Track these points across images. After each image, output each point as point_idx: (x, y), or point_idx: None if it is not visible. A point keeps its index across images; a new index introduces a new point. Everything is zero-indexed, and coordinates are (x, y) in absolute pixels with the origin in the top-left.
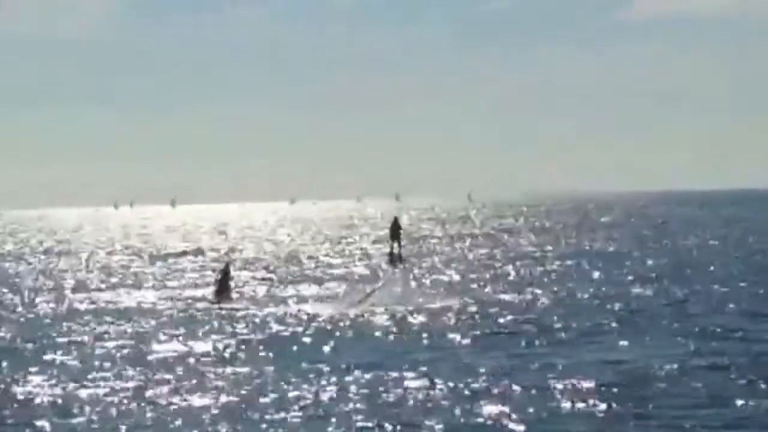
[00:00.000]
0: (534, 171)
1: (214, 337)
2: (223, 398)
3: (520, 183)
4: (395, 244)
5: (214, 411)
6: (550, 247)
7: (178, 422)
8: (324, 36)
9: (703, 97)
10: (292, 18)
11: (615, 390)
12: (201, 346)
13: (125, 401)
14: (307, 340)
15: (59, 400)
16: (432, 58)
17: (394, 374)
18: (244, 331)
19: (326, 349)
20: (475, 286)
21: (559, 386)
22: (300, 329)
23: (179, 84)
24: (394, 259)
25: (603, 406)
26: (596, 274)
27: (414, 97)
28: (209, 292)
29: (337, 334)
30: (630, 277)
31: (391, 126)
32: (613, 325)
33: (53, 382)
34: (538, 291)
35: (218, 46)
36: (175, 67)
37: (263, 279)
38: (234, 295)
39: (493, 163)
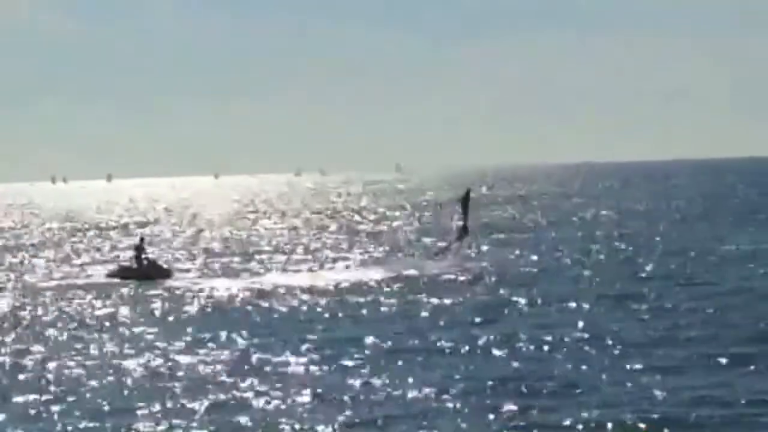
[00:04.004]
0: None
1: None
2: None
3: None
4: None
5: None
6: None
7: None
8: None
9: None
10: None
11: None
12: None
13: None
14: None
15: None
16: (363, 36)
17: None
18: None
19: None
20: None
21: None
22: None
23: (113, 66)
24: (463, 229)
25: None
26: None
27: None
28: (124, 265)
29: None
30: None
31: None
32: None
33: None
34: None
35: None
36: (101, 50)
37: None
38: (163, 269)
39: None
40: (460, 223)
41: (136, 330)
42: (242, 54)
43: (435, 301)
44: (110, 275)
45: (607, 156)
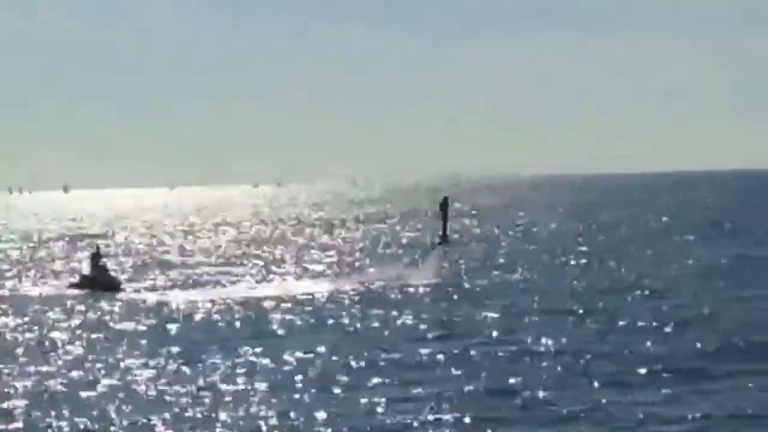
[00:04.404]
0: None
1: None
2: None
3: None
4: (444, 224)
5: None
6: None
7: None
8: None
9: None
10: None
11: None
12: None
13: None
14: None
15: None
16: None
17: None
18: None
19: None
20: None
21: None
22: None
23: (68, 72)
24: (441, 238)
25: None
26: None
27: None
28: (80, 276)
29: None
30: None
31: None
32: None
33: None
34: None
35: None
36: (58, 54)
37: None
38: (117, 280)
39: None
40: (440, 232)
41: (78, 342)
42: (242, 54)
43: (391, 313)
44: (72, 286)
45: (608, 166)
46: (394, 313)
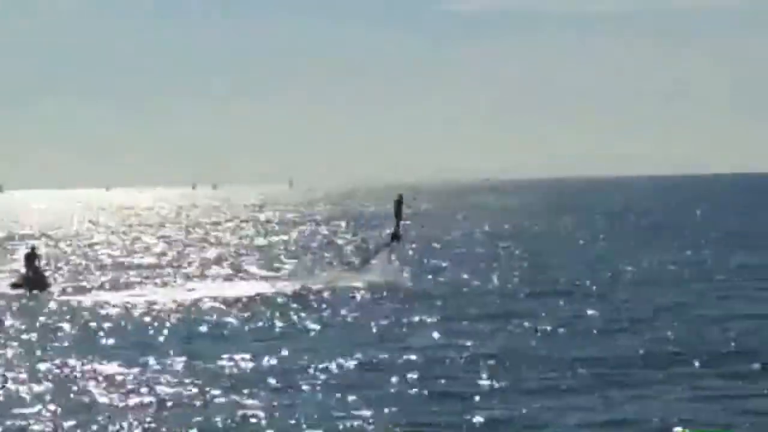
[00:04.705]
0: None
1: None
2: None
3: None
4: (397, 221)
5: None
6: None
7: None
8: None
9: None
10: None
11: None
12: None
13: None
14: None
15: None
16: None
17: None
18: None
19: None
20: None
21: None
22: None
23: (64, 72)
24: (394, 235)
25: None
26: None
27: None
28: (18, 276)
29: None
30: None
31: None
32: None
33: None
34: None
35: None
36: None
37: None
38: (47, 280)
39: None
40: (391, 230)
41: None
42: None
43: (324, 315)
44: (13, 285)
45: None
46: (328, 315)
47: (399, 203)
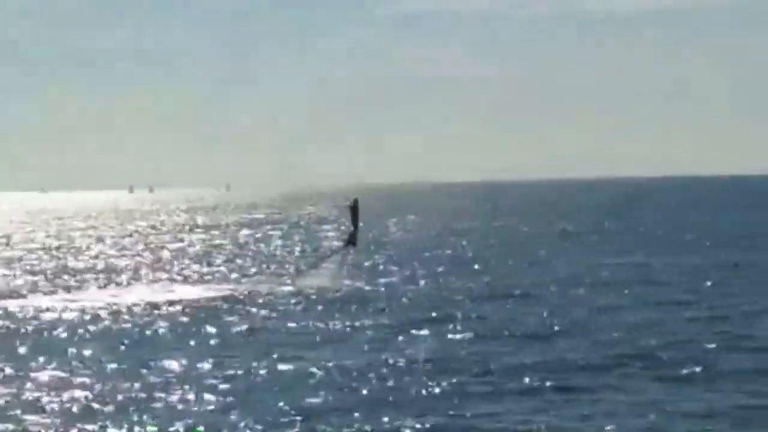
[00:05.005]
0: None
1: None
2: None
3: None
4: (353, 226)
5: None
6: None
7: None
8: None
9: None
10: None
11: None
12: None
13: None
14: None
15: None
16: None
17: None
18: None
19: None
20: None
21: None
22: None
23: None
24: (349, 239)
25: None
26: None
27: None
28: None
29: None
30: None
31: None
32: None
33: None
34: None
35: None
36: None
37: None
38: None
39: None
40: (347, 235)
41: None
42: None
43: (267, 319)
44: None
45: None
46: (261, 320)
47: (354, 208)
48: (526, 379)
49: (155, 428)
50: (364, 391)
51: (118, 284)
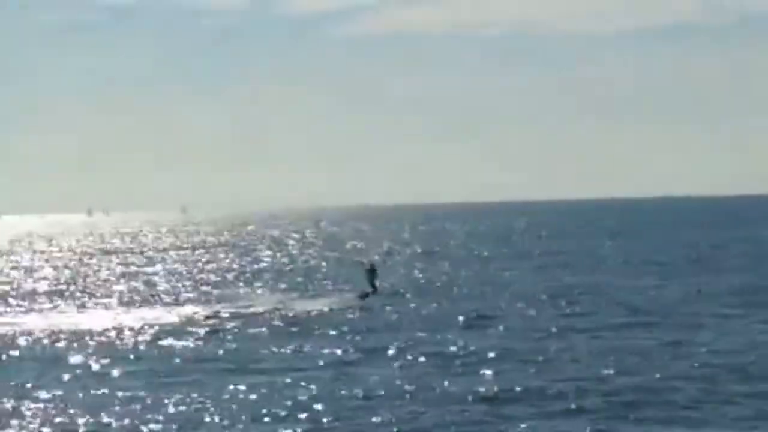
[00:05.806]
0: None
1: None
2: None
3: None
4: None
5: None
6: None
7: None
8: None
9: None
10: None
11: None
12: None
13: None
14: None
15: None
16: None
17: None
18: None
19: None
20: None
21: None
22: None
23: None
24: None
25: None
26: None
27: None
28: None
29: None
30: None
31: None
32: None
33: None
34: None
35: None
36: None
37: None
38: None
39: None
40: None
41: None
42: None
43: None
44: None
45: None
46: (217, 342)
47: (372, 272)
48: (480, 407)
49: None
50: (314, 422)
51: (58, 307)
